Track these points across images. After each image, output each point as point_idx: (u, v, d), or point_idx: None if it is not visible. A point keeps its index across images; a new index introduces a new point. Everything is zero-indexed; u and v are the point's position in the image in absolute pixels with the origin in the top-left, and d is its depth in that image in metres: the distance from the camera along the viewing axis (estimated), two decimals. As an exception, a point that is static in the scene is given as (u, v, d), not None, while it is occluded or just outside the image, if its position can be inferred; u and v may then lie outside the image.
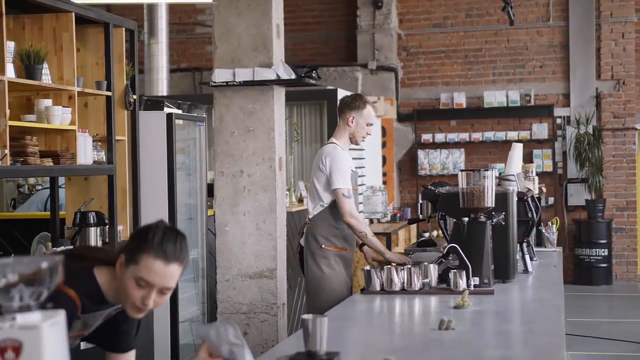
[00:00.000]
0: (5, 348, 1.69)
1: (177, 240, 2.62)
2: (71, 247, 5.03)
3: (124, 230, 5.73)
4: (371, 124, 5.24)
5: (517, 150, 5.66)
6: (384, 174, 12.14)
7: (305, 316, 2.68)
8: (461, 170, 4.42)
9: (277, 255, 5.62)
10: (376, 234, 8.84)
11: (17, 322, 1.71)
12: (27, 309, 1.73)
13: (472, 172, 4.38)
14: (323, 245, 5.15)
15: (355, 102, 5.21)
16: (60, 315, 1.73)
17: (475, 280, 4.22)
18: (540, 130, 12.45)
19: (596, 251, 12.03)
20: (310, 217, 5.27)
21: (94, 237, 5.32)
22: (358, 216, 5.10)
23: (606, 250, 12.06)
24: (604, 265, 12.08)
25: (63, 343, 1.75)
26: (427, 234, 9.59)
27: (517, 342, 3.21)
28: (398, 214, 10.66)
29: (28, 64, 4.74)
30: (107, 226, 5.50)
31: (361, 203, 9.73)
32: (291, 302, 7.23)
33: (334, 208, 5.12)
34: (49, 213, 5.75)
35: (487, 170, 4.37)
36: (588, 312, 10.36)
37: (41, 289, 1.74)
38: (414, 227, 10.62)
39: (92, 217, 5.33)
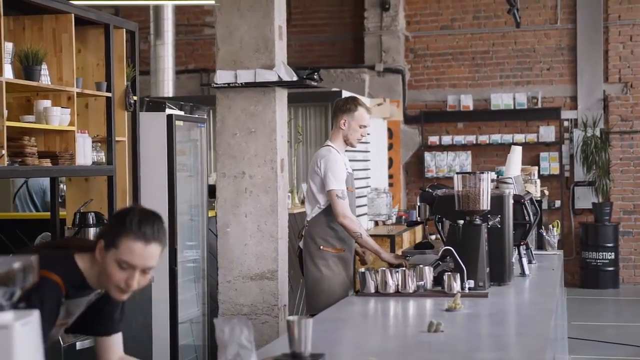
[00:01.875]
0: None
1: (154, 222, 2.71)
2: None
3: (123, 231, 5.74)
4: (364, 126, 5.27)
5: (516, 153, 5.66)
6: (391, 176, 12.14)
7: (290, 318, 2.70)
8: (457, 173, 4.43)
9: (278, 257, 5.63)
10: (380, 236, 8.93)
11: (-12, 321, 1.72)
12: (-1, 309, 1.74)
13: (468, 175, 4.38)
14: (321, 247, 5.20)
15: (347, 104, 5.26)
16: (34, 315, 1.74)
17: (470, 283, 4.22)
18: (548, 133, 12.41)
19: (603, 254, 11.99)
20: (308, 219, 5.31)
21: (93, 237, 5.34)
22: (352, 217, 5.12)
23: (613, 253, 12.02)
24: (611, 268, 12.04)
25: (36, 343, 1.75)
26: (433, 237, 9.58)
27: (503, 344, 3.22)
28: (404, 216, 10.65)
29: (27, 65, 4.77)
30: (106, 227, 5.52)
31: (365, 205, 9.74)
32: (293, 303, 7.24)
33: (331, 210, 5.15)
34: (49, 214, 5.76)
35: (483, 173, 4.37)
36: (594, 315, 10.32)
37: (14, 289, 1.75)
38: (419, 229, 10.61)
39: (91, 218, 5.35)
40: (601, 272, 12.02)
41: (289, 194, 7.80)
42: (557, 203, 12.34)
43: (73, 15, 5.16)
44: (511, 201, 4.64)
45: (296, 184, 8.88)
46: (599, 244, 12.01)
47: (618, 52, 12.39)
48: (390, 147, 12.17)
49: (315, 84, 5.83)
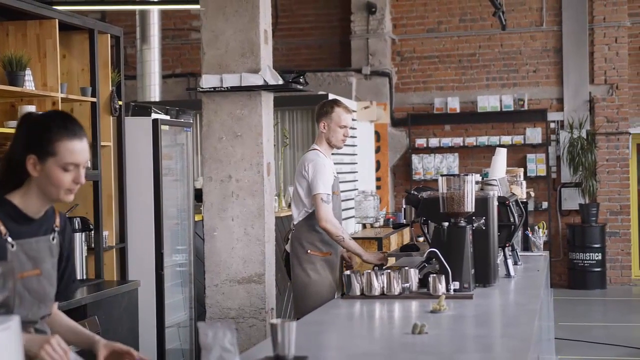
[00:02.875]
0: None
1: (72, 118, 2.78)
2: None
3: (109, 236, 5.75)
4: (344, 126, 5.30)
5: (501, 155, 5.68)
6: (379, 179, 12.16)
7: (273, 321, 2.71)
8: (441, 175, 4.44)
9: (265, 260, 5.63)
10: (368, 238, 8.95)
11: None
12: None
13: (452, 177, 4.39)
14: (309, 251, 5.23)
15: (324, 107, 5.33)
16: (14, 321, 1.75)
17: (455, 285, 4.23)
18: (534, 134, 12.46)
19: (590, 255, 12.04)
20: (294, 223, 5.33)
21: (79, 242, 5.33)
22: (334, 221, 5.14)
23: (600, 254, 12.07)
24: (598, 269, 12.09)
25: (16, 349, 1.76)
26: (421, 239, 9.60)
27: (487, 345, 3.23)
28: (391, 219, 10.67)
29: (10, 71, 4.77)
30: (92, 232, 5.52)
31: (352, 208, 9.75)
32: (280, 307, 7.25)
33: None
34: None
35: (467, 175, 4.38)
36: (581, 316, 10.36)
37: (-7, 295, 1.76)
38: (407, 231, 10.64)
39: (77, 223, 5.34)
40: (588, 273, 12.07)
41: (276, 198, 7.81)
42: (544, 204, 12.39)
43: (57, 20, 5.16)
44: (496, 203, 4.66)
45: (283, 187, 8.89)
46: (586, 245, 12.05)
47: (603, 53, 12.45)
48: (377, 150, 12.20)
49: (301, 87, 5.83)
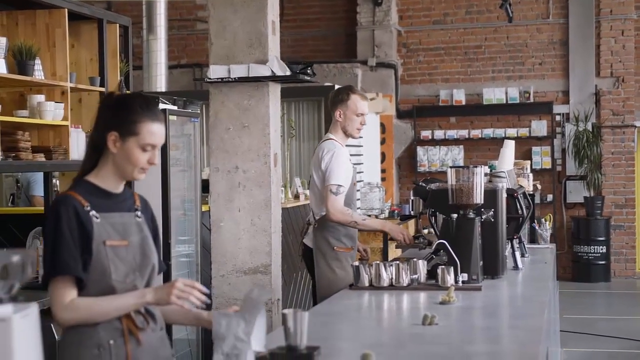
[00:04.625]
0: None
1: (154, 102, 2.94)
2: None
3: (117, 226, 5.75)
4: (361, 114, 5.18)
5: (509, 147, 5.69)
6: (383, 171, 12.17)
7: (286, 311, 2.71)
8: (450, 167, 4.44)
9: (272, 251, 5.63)
10: (373, 230, 8.92)
11: (-12, 314, 1.73)
12: (-2, 302, 1.76)
13: (461, 169, 4.39)
14: (335, 247, 5.13)
15: (339, 95, 5.21)
16: (32, 308, 1.76)
17: (463, 277, 4.23)
18: (540, 127, 12.46)
19: (594, 248, 12.05)
20: (317, 217, 5.21)
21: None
22: (343, 210, 5.02)
23: (604, 247, 12.08)
24: (603, 262, 12.09)
25: (35, 335, 1.77)
26: (425, 231, 9.60)
27: (497, 337, 3.24)
28: (396, 211, 10.67)
29: (20, 60, 4.77)
30: (100, 221, 5.53)
31: (358, 200, 9.76)
32: (286, 298, 7.26)
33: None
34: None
35: (476, 167, 4.38)
36: (586, 309, 10.38)
37: (13, 282, 1.76)
38: (412, 223, 10.64)
39: (85, 213, 5.34)
40: (593, 266, 12.08)
41: (282, 189, 7.82)
42: (549, 197, 12.39)
43: (66, 10, 5.16)
44: (504, 195, 4.66)
45: (289, 178, 8.90)
46: (590, 238, 12.06)
47: (610, 46, 12.43)
48: (382, 141, 12.20)
49: (309, 78, 5.82)
